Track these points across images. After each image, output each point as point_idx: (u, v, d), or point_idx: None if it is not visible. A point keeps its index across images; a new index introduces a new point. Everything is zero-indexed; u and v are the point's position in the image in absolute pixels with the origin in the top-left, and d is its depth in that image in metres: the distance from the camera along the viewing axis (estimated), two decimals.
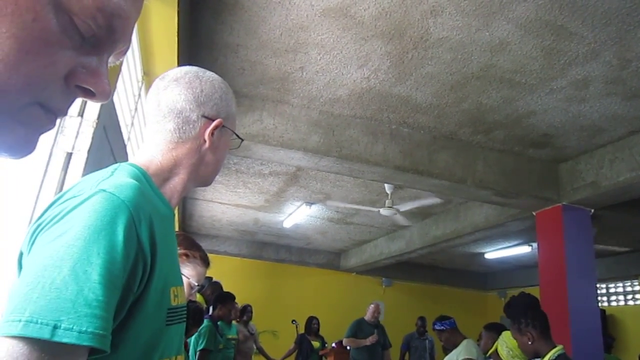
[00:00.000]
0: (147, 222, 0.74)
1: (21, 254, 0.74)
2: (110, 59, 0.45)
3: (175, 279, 0.86)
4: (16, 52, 0.35)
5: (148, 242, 0.73)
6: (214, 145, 0.95)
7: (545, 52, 3.07)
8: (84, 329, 0.60)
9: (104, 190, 0.71)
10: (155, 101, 0.93)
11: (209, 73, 0.98)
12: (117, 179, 0.76)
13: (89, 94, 0.43)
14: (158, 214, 0.80)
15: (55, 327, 0.58)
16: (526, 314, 2.39)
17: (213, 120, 0.94)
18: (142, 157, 0.91)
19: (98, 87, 0.42)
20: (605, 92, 3.46)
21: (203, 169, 0.96)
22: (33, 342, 0.58)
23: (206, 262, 1.64)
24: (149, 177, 0.87)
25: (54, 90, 0.40)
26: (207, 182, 1.00)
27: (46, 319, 0.58)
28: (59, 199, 0.74)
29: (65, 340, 0.58)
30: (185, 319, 0.90)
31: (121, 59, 0.48)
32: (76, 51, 0.40)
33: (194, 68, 0.98)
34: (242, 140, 1.06)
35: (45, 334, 0.58)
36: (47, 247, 0.65)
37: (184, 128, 0.92)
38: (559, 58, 3.13)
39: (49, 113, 0.41)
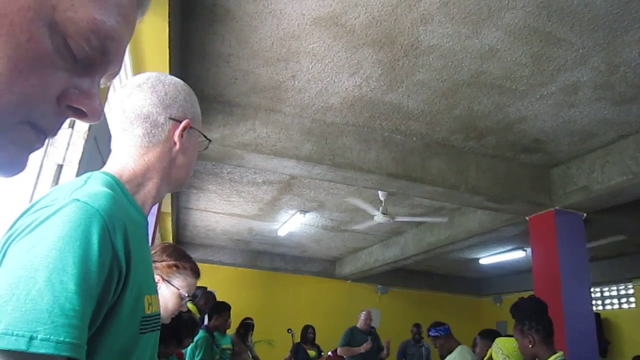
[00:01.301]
0: (122, 230, 0.74)
1: None
2: (102, 80, 0.45)
3: (149, 287, 0.86)
4: (9, 71, 0.36)
5: (123, 251, 0.73)
6: (184, 146, 0.95)
7: (535, 58, 3.10)
8: (61, 339, 0.60)
9: (78, 200, 0.70)
10: (120, 109, 0.92)
11: (170, 76, 0.99)
12: (91, 188, 0.75)
13: (81, 114, 0.43)
14: (132, 222, 0.80)
15: (31, 338, 0.58)
16: (531, 317, 2.39)
17: (181, 122, 0.94)
18: (114, 165, 0.91)
19: (90, 107, 0.43)
20: (595, 97, 3.49)
21: (175, 172, 0.96)
22: (9, 354, 0.57)
23: (196, 273, 1.64)
24: (122, 185, 0.86)
25: (45, 110, 0.40)
26: (180, 185, 1.00)
27: (22, 330, 0.58)
28: (30, 208, 0.73)
29: (42, 351, 0.58)
30: (159, 328, 0.90)
31: (112, 81, 0.48)
32: (69, 72, 0.40)
33: (155, 73, 0.98)
34: (210, 141, 1.06)
35: (21, 345, 0.57)
36: (21, 257, 0.64)
37: (153, 132, 0.92)
38: (548, 64, 3.16)
39: (39, 132, 0.41)
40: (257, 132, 3.95)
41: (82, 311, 0.63)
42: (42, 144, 0.43)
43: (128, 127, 0.92)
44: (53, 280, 0.62)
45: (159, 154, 0.92)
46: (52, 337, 0.59)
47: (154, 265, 1.50)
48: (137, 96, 0.92)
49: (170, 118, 0.93)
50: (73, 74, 0.41)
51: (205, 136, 1.02)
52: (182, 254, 1.63)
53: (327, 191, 6.00)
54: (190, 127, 0.96)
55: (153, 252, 1.57)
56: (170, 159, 0.94)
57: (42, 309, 0.60)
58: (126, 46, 0.46)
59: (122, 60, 0.46)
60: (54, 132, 0.43)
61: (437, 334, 4.38)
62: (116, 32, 0.42)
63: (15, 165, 0.42)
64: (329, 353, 6.73)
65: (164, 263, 1.56)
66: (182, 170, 0.96)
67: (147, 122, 0.92)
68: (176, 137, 0.94)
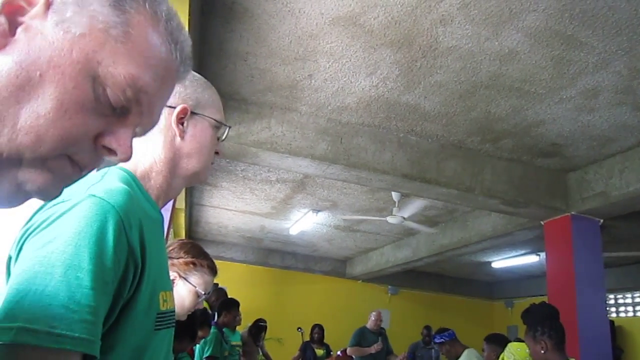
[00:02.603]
0: (137, 226, 0.73)
1: (9, 259, 0.73)
2: (137, 130, 0.53)
3: (165, 283, 0.85)
4: (56, 110, 0.44)
5: (138, 247, 0.73)
6: (187, 134, 0.91)
7: (555, 61, 3.07)
8: (77, 335, 0.60)
9: (94, 196, 0.70)
10: None
11: None
12: (107, 184, 0.75)
13: (113, 154, 0.50)
14: (148, 218, 0.79)
15: (48, 334, 0.58)
16: (543, 323, 2.37)
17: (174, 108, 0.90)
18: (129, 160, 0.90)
19: (120, 149, 0.50)
20: (615, 101, 3.44)
21: (185, 162, 0.92)
22: (26, 349, 0.58)
23: (214, 271, 1.64)
24: (137, 181, 0.85)
25: (82, 147, 0.47)
26: (197, 176, 0.95)
27: (39, 325, 0.58)
28: (47, 203, 0.73)
29: (58, 346, 0.59)
30: (174, 324, 0.89)
31: (148, 132, 0.56)
32: (107, 117, 0.48)
33: None
34: (229, 127, 1.00)
35: (38, 340, 0.58)
36: (37, 252, 0.65)
37: None
38: (568, 68, 3.12)
39: (75, 165, 0.48)
40: (273, 131, 3.95)
41: (98, 307, 0.64)
42: (78, 177, 0.50)
43: None
44: (69, 277, 0.62)
45: (162, 144, 0.90)
46: (68, 333, 0.59)
47: (171, 262, 1.51)
48: None
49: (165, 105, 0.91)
50: (110, 119, 0.48)
51: (217, 120, 0.96)
52: (199, 251, 1.63)
53: (340, 191, 5.99)
54: (194, 113, 0.92)
55: (170, 248, 1.57)
56: (175, 149, 0.90)
57: (58, 305, 0.60)
58: (161, 103, 0.54)
59: (156, 115, 0.54)
60: (89, 167, 0.50)
61: (442, 340, 4.39)
62: (150, 87, 0.50)
63: (50, 191, 0.48)
64: (338, 352, 6.73)
65: (181, 260, 1.57)
66: (192, 159, 0.92)
67: None
68: (173, 124, 0.90)
